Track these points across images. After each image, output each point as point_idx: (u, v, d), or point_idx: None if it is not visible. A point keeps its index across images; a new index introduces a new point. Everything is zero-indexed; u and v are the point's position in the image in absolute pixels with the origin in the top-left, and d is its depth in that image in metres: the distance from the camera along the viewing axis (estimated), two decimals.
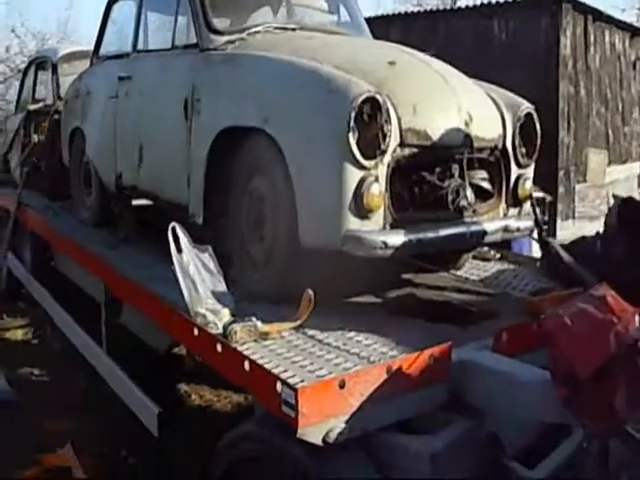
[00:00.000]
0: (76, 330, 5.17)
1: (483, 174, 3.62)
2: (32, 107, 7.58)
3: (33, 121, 7.50)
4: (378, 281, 3.75)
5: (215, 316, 3.07)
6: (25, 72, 8.66)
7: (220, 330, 2.99)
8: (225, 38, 3.90)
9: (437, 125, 3.24)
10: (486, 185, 3.62)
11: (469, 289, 3.84)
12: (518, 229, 3.68)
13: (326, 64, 3.32)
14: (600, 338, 2.33)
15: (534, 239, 4.05)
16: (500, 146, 3.60)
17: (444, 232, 3.25)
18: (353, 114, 2.96)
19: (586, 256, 3.80)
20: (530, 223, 3.76)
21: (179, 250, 3.18)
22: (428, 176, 3.32)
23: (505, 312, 3.40)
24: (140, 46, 4.76)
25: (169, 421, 3.71)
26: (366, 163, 3.01)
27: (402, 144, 3.15)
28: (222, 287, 3.22)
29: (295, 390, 2.36)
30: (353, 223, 3.04)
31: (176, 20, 4.25)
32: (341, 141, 2.97)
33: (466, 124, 3.34)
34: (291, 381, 2.49)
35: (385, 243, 3.02)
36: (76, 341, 5.20)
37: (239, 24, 4.15)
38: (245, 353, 2.76)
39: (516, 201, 3.73)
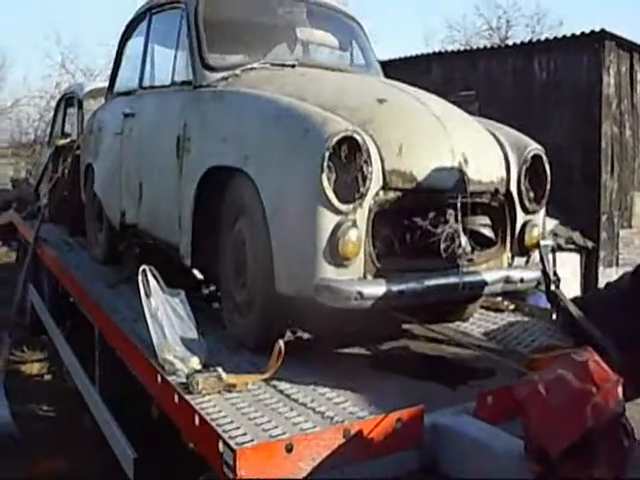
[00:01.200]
0: (77, 368, 5.06)
1: (484, 220, 3.39)
2: (60, 142, 7.63)
3: (61, 156, 7.53)
4: (372, 330, 3.54)
5: (183, 364, 2.92)
6: (56, 107, 8.77)
7: (184, 380, 2.82)
8: (219, 75, 3.77)
9: (425, 167, 3.02)
10: (487, 232, 3.38)
11: (469, 343, 3.58)
12: (522, 280, 3.41)
13: (312, 101, 3.16)
14: (575, 411, 2.09)
15: (541, 291, 3.77)
16: (503, 190, 3.36)
17: (430, 282, 3.01)
18: (327, 154, 2.77)
19: (600, 311, 3.51)
20: (536, 274, 3.46)
21: (148, 294, 3.03)
22: (419, 221, 3.10)
23: (502, 371, 3.13)
24: (145, 82, 4.68)
25: (145, 466, 3.54)
26: (343, 207, 2.82)
27: (386, 187, 2.95)
28: (192, 334, 3.06)
29: (233, 451, 2.17)
30: (328, 271, 2.83)
31: (176, 55, 4.16)
32: (315, 183, 2.78)
33: (460, 166, 3.12)
34: (237, 440, 2.31)
35: (360, 294, 2.80)
36: (76, 378, 5.09)
37: (238, 60, 4.02)
38: (196, 407, 2.59)
39: (522, 249, 3.48)
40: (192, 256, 3.66)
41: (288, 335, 3.38)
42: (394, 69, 11.55)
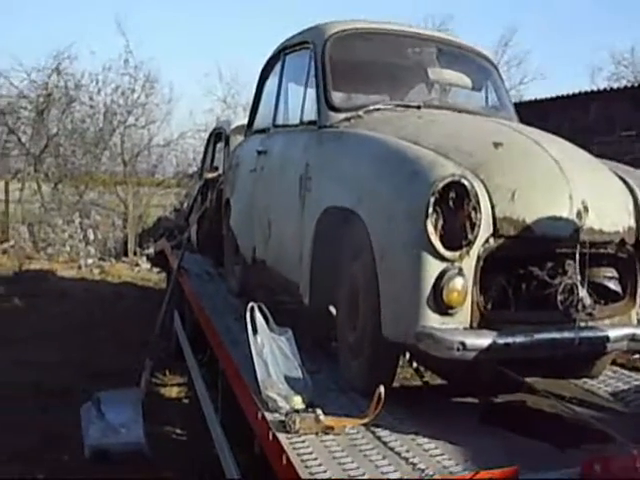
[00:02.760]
0: (204, 395, 5.22)
1: (610, 272, 3.20)
2: (209, 175, 7.95)
3: (209, 188, 7.86)
4: (489, 380, 3.42)
5: (286, 402, 2.95)
6: (207, 142, 9.18)
7: (283, 417, 2.85)
8: (342, 115, 3.82)
9: (539, 214, 2.90)
10: (612, 285, 3.19)
11: (592, 403, 3.37)
12: None
13: (426, 144, 3.13)
14: None
15: None
16: (631, 240, 3.17)
17: (541, 336, 2.86)
18: (433, 199, 2.74)
19: None
20: None
21: (255, 331, 3.09)
22: (534, 271, 2.98)
23: (623, 437, 2.89)
24: (278, 121, 4.82)
25: None
26: (448, 254, 2.76)
27: (496, 234, 2.86)
28: (297, 373, 3.09)
29: None
30: (431, 319, 2.78)
31: (305, 96, 4.25)
32: (420, 228, 2.75)
33: (579, 214, 2.97)
34: None
35: (463, 344, 2.72)
36: (204, 405, 5.26)
37: (363, 101, 4.05)
38: (286, 446, 2.60)
39: None
40: (310, 295, 3.70)
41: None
42: (550, 107, 11.27)
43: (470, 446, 2.73)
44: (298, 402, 2.94)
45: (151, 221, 16.72)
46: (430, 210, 2.74)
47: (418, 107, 3.93)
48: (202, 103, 26.10)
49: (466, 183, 2.79)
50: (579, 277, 2.96)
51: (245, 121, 7.63)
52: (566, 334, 2.91)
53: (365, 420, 2.83)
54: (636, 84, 12.56)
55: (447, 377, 3.73)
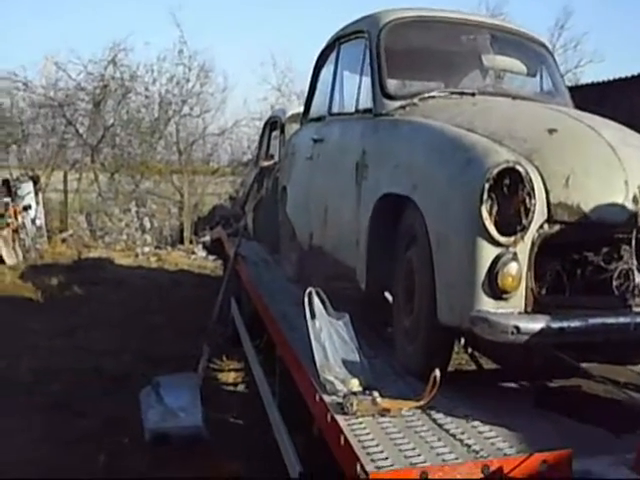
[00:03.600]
0: (262, 381, 5.33)
1: None
2: (265, 164, 8.05)
3: (265, 177, 7.96)
4: (544, 365, 3.44)
5: (343, 385, 3.02)
6: (263, 130, 9.28)
7: (341, 400, 2.92)
8: (397, 103, 3.86)
9: (594, 200, 2.91)
10: None
11: None
12: None
13: (480, 132, 3.17)
14: None
15: None
16: None
17: (596, 321, 2.88)
18: (487, 186, 2.77)
19: None
20: None
21: (313, 315, 3.17)
22: (589, 256, 3.00)
23: None
24: (334, 109, 4.88)
25: None
26: (503, 240, 2.80)
27: (550, 220, 2.88)
28: (354, 356, 3.16)
29: (367, 474, 2.24)
30: (485, 303, 2.82)
31: (360, 84, 4.31)
32: (475, 214, 2.79)
33: (635, 200, 2.97)
34: (378, 464, 2.37)
35: (517, 328, 2.75)
36: (262, 391, 5.37)
37: (418, 88, 4.09)
38: (344, 427, 2.68)
39: None
40: (367, 280, 3.77)
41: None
42: (607, 90, 11.04)
43: (524, 429, 2.76)
44: (355, 385, 3.01)
45: (206, 209, 16.82)
46: (485, 196, 2.78)
47: (472, 94, 3.95)
48: (256, 92, 26.06)
49: (520, 169, 2.82)
50: (635, 262, 2.97)
51: (300, 109, 7.76)
52: (621, 319, 2.92)
53: (421, 403, 2.89)
54: None
55: (501, 361, 3.76)
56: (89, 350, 7.59)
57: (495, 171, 2.78)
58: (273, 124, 8.53)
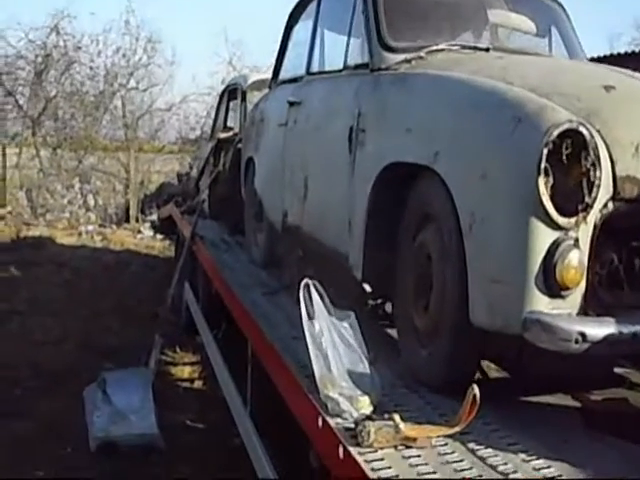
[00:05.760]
0: (226, 378, 4.67)
1: None
2: (222, 135, 7.39)
3: (222, 149, 7.27)
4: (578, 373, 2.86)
5: (350, 404, 2.38)
6: (219, 99, 8.56)
7: (351, 424, 2.28)
8: (400, 57, 3.21)
9: None
10: None
11: None
12: None
13: (517, 86, 2.53)
14: None
15: None
16: None
17: None
18: (546, 151, 2.14)
19: None
20: None
21: (311, 315, 2.52)
22: None
23: None
24: (314, 68, 4.21)
25: None
26: (563, 221, 2.18)
27: (616, 197, 2.27)
28: (363, 367, 2.51)
29: None
30: (540, 302, 2.20)
31: (350, 36, 3.65)
32: (528, 188, 2.17)
33: None
34: None
35: (583, 335, 2.14)
36: (225, 390, 4.71)
37: (421, 41, 3.41)
38: (363, 465, 2.03)
39: None
40: (363, 268, 3.13)
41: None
42: None
43: (578, 454, 2.19)
44: (366, 404, 2.37)
45: (153, 187, 16.20)
46: (542, 165, 2.15)
47: (487, 49, 3.33)
48: (206, 66, 25.09)
49: (585, 132, 2.19)
50: None
51: (263, 76, 7.07)
52: None
53: (456, 429, 2.26)
54: None
55: (510, 368, 3.15)
56: (26, 340, 6.81)
57: (556, 132, 2.15)
58: (232, 92, 7.81)
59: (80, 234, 13.63)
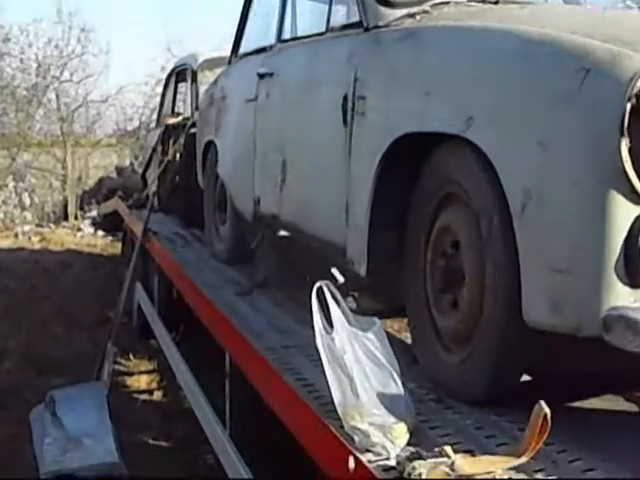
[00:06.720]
0: (193, 387, 4.14)
1: None
2: (170, 121, 6.81)
3: (171, 137, 6.70)
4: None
5: (384, 436, 1.88)
6: (166, 83, 7.96)
7: (392, 462, 1.80)
8: (400, 11, 2.72)
9: None
10: None
11: None
12: None
13: (565, 34, 2.07)
14: None
15: None
16: None
17: None
18: (629, 107, 1.70)
19: None
20: None
21: (328, 330, 2.01)
22: None
23: None
24: (286, 35, 3.70)
25: None
26: None
27: None
28: (395, 386, 2.01)
29: None
30: (622, 295, 1.75)
31: None
32: (604, 155, 1.72)
33: None
34: None
35: None
36: (192, 400, 4.18)
37: None
38: None
39: None
40: (369, 261, 2.64)
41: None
42: None
43: None
44: (402, 433, 1.89)
45: (92, 182, 15.44)
46: (625, 124, 1.69)
47: (496, 2, 2.87)
48: (144, 54, 24.14)
49: None
50: None
51: (215, 54, 6.51)
52: None
53: (522, 460, 1.80)
54: None
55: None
56: None
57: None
58: (180, 74, 7.22)
59: (16, 235, 12.96)
